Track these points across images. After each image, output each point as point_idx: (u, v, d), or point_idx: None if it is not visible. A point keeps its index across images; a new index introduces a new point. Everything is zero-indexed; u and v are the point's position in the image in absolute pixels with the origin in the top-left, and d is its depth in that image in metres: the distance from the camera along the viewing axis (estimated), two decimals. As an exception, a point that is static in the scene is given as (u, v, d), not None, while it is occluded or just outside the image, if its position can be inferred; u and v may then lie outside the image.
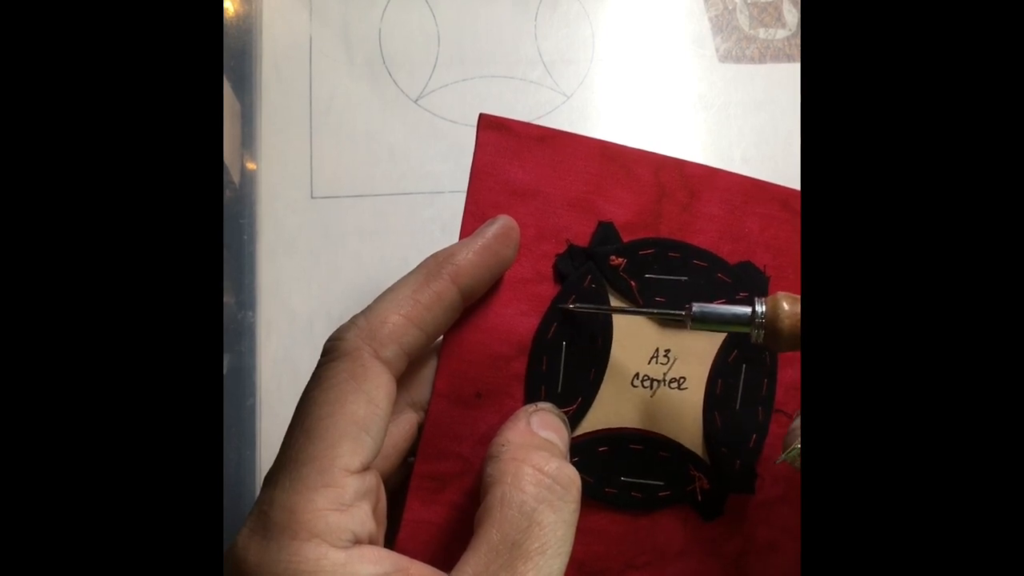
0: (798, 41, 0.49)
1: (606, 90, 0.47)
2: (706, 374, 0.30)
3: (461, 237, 0.29)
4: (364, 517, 0.24)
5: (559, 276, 0.29)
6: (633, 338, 0.30)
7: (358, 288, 0.42)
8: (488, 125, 0.29)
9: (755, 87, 0.48)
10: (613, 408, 0.30)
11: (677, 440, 0.30)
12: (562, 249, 0.30)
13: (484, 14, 0.47)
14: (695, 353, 0.30)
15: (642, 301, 0.30)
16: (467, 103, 0.46)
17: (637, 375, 0.30)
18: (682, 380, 0.30)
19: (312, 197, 0.44)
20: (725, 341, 0.30)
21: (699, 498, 0.30)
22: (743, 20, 0.49)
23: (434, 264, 0.27)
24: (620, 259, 0.30)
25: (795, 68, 0.48)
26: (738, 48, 0.49)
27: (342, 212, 0.44)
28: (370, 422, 0.24)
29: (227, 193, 0.42)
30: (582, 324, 0.29)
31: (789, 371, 0.31)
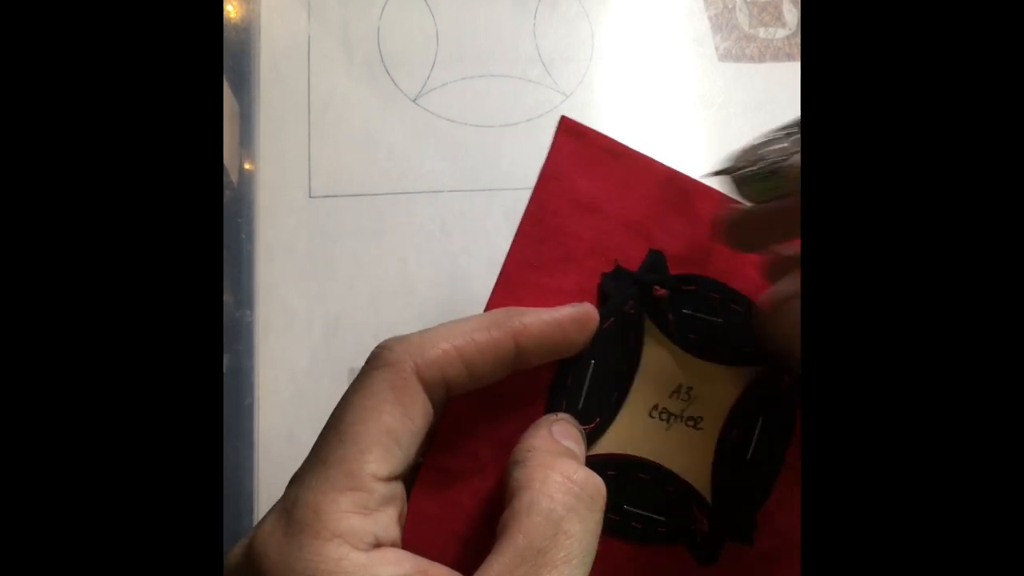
0: (798, 40, 0.49)
1: (605, 89, 0.47)
2: (723, 418, 0.30)
3: (518, 233, 0.29)
4: (388, 522, 0.24)
5: (602, 296, 0.29)
6: (660, 369, 0.30)
7: (356, 287, 0.42)
8: (567, 129, 0.29)
9: (755, 86, 0.48)
10: (628, 434, 0.30)
11: (684, 477, 0.30)
12: (610, 268, 0.30)
13: (483, 13, 0.47)
14: (716, 395, 0.30)
15: (677, 336, 0.30)
16: (466, 102, 0.46)
17: (656, 406, 0.29)
18: (699, 419, 0.30)
19: (310, 197, 0.44)
20: (747, 389, 0.30)
21: (697, 539, 0.29)
22: (743, 19, 0.49)
23: (503, 315, 0.27)
24: (663, 291, 0.30)
25: (795, 67, 0.48)
26: (738, 47, 0.49)
27: (340, 211, 0.44)
28: (402, 434, 0.24)
29: (225, 193, 0.42)
30: (612, 346, 0.29)
31: None
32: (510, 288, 0.29)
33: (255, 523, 0.24)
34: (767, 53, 0.49)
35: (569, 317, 0.28)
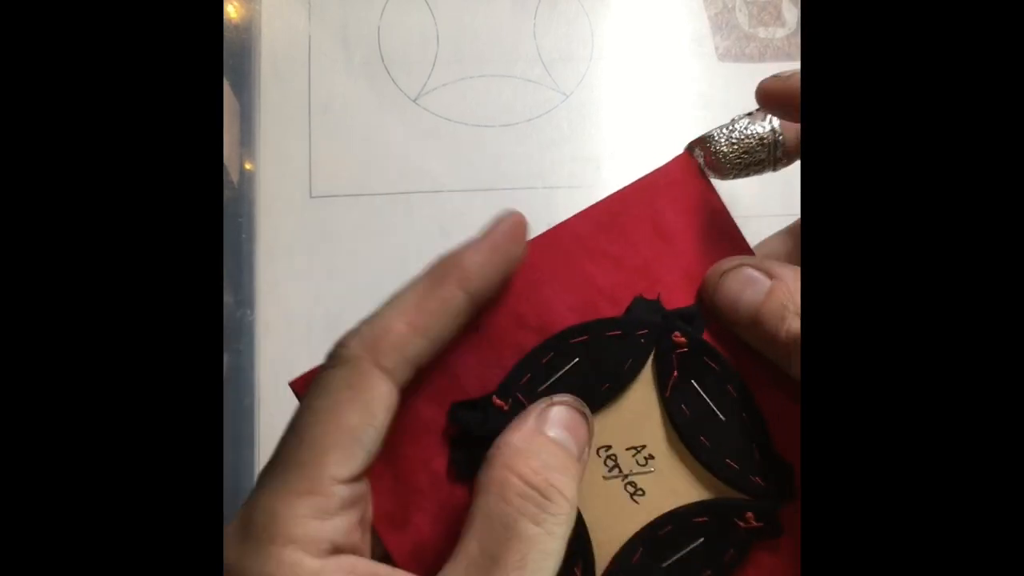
0: (798, 40, 0.49)
1: (605, 89, 0.47)
2: (666, 511, 0.27)
3: (586, 210, 0.28)
4: (347, 527, 0.23)
5: (627, 311, 0.28)
6: (634, 417, 0.27)
7: (356, 287, 0.42)
8: (684, 164, 0.29)
9: (755, 86, 0.48)
10: None
11: (590, 533, 0.27)
12: (651, 296, 0.28)
13: (483, 13, 0.47)
14: (675, 485, 0.27)
15: (670, 399, 0.27)
16: (466, 102, 0.46)
17: (608, 448, 0.27)
18: (642, 493, 0.27)
19: (311, 196, 0.44)
20: (709, 504, 0.27)
21: None
22: (742, 19, 0.49)
23: (441, 269, 0.26)
24: (683, 340, 0.27)
25: (795, 67, 0.48)
26: (737, 47, 0.49)
27: (340, 211, 0.44)
28: (363, 432, 0.24)
29: (225, 192, 0.42)
30: (604, 358, 0.27)
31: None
32: (548, 250, 0.28)
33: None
34: (767, 53, 0.49)
35: (503, 235, 0.26)
